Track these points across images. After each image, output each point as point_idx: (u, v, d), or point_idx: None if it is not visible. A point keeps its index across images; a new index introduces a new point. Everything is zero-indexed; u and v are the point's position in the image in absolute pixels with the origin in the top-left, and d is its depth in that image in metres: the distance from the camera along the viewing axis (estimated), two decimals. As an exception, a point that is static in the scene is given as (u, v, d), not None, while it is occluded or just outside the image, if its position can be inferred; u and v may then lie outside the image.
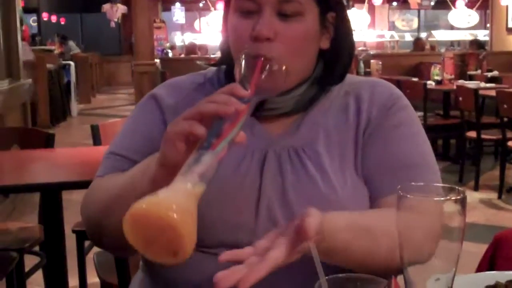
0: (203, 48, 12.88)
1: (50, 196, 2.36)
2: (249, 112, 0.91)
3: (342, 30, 1.15)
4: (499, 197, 5.09)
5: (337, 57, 1.15)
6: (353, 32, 1.19)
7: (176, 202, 0.77)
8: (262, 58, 1.00)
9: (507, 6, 10.82)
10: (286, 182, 1.09)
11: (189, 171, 0.81)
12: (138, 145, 1.12)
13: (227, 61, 1.14)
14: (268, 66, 0.99)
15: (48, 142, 2.84)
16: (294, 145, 1.12)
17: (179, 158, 0.85)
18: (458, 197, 0.76)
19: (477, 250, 1.38)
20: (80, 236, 2.76)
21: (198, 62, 7.36)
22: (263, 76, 0.97)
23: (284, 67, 1.02)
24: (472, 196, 5.16)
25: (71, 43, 17.29)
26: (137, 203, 0.78)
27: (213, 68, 1.22)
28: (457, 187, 0.79)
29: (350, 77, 1.22)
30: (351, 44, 1.18)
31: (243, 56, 1.00)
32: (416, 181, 1.02)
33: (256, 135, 1.12)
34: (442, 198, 0.75)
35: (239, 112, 0.87)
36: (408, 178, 1.05)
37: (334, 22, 1.13)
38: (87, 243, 2.86)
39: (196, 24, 18.64)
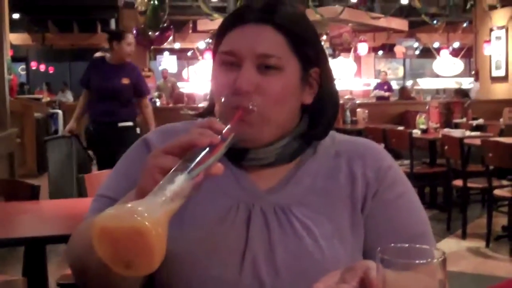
0: (190, 97, 12.94)
1: (35, 250, 2.33)
2: (226, 148, 0.92)
3: (326, 86, 1.16)
4: (487, 246, 5.08)
5: (321, 112, 1.16)
6: (337, 86, 1.20)
7: (147, 211, 0.76)
8: (241, 109, 1.02)
9: (490, 56, 11.00)
10: (273, 237, 1.09)
11: (161, 188, 0.82)
12: (125, 187, 1.11)
13: (212, 111, 1.16)
14: (245, 115, 1.02)
15: (33, 193, 2.82)
16: (281, 203, 1.12)
17: None
18: (440, 258, 0.77)
19: (465, 301, 1.37)
20: (65, 289, 2.72)
21: (181, 112, 7.36)
22: (241, 124, 0.99)
23: (261, 119, 1.05)
24: (460, 245, 5.15)
25: (69, 93, 17.42)
26: (108, 209, 0.79)
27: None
28: (438, 248, 0.79)
29: (339, 137, 1.23)
30: (335, 100, 1.19)
31: (223, 101, 1.03)
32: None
33: (242, 187, 1.13)
34: (423, 261, 0.75)
35: (215, 144, 0.89)
36: None
37: (317, 78, 1.15)
38: (71, 296, 2.81)
39: (185, 72, 18.81)
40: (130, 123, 5.20)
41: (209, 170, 0.88)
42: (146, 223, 0.75)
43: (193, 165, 0.85)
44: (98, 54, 8.82)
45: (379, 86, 14.35)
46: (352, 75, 15.68)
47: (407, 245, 0.81)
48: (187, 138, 0.89)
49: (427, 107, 6.92)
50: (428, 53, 18.32)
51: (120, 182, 1.17)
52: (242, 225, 1.10)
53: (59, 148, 5.71)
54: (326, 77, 1.16)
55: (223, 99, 1.03)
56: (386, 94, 13.49)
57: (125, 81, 5.17)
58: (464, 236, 5.35)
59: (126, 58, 5.25)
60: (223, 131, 0.92)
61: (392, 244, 0.80)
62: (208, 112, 1.19)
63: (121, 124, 5.16)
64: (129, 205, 0.78)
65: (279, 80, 1.09)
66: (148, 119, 5.37)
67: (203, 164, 0.86)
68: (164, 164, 0.88)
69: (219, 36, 1.14)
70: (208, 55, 14.68)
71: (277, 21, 1.10)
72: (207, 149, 0.88)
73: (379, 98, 12.95)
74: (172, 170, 0.85)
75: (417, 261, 0.74)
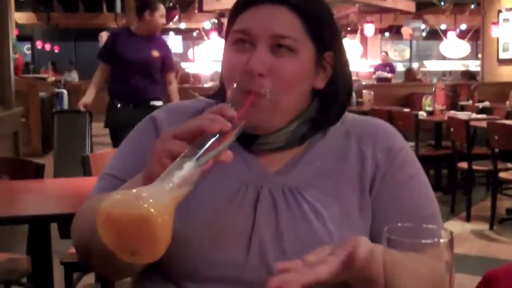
0: (196, 78, 12.91)
1: (39, 228, 2.34)
2: (236, 136, 0.91)
3: (340, 71, 1.14)
4: (491, 228, 5.08)
5: (333, 97, 1.14)
6: (350, 72, 1.18)
7: (154, 197, 0.76)
8: (253, 93, 1.00)
9: (497, 38, 10.93)
10: (281, 219, 1.07)
11: (169, 174, 0.81)
12: (132, 166, 1.11)
13: (223, 93, 1.14)
14: (257, 101, 1.00)
15: (37, 172, 2.82)
16: (290, 185, 1.10)
17: None
18: (448, 239, 0.76)
19: (469, 282, 1.37)
20: (69, 268, 2.74)
21: (194, 93, 7.37)
22: (251, 110, 0.98)
23: (273, 105, 1.04)
24: (464, 227, 5.15)
25: (74, 73, 17.45)
26: (113, 194, 0.78)
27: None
28: (445, 229, 0.78)
29: (349, 116, 1.21)
30: (348, 85, 1.17)
31: (234, 87, 1.01)
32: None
33: (251, 169, 1.12)
34: (429, 241, 0.74)
35: (226, 131, 0.88)
36: None
37: (331, 62, 1.13)
38: (75, 275, 2.83)
39: (190, 53, 18.76)
40: (161, 102, 4.69)
41: (218, 157, 0.87)
42: (152, 210, 0.74)
43: (202, 151, 0.84)
44: (103, 34, 8.62)
45: (380, 67, 14.21)
46: (358, 57, 15.61)
47: (414, 225, 0.80)
48: (197, 124, 0.88)
49: (433, 89, 6.89)
50: (435, 35, 18.21)
51: (126, 161, 1.16)
52: (249, 208, 1.08)
53: (69, 122, 5.26)
54: (341, 61, 1.14)
55: (235, 85, 1.01)
56: (389, 75, 13.34)
57: (155, 53, 4.68)
58: (468, 218, 5.35)
59: (158, 30, 4.81)
60: (234, 118, 0.91)
61: (399, 224, 0.80)
62: (219, 94, 1.17)
63: (153, 103, 4.61)
64: (135, 190, 0.77)
65: (292, 62, 1.07)
66: (173, 96, 4.86)
67: (212, 150, 0.85)
68: (172, 149, 0.87)
69: (232, 16, 1.12)
70: (214, 35, 14.63)
71: (292, 1, 1.07)
72: (217, 135, 0.87)
73: (380, 79, 12.76)
74: (180, 156, 0.84)
75: (423, 241, 0.74)
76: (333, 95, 1.14)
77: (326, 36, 1.11)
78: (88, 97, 4.81)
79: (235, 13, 1.11)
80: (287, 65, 1.06)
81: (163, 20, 4.73)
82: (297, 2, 1.07)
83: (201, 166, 0.83)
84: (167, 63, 4.79)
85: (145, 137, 1.17)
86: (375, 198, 1.12)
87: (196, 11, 17.50)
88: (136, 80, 4.61)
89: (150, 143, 1.11)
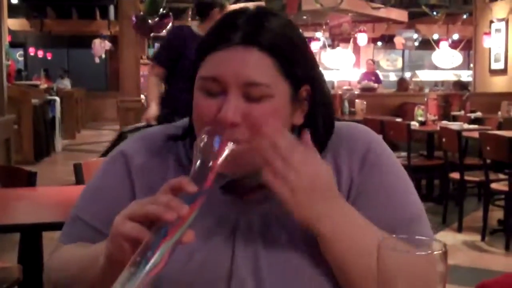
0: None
1: (30, 237, 2.33)
2: (197, 211, 0.86)
3: (318, 102, 1.07)
4: (483, 239, 5.09)
5: (312, 132, 1.06)
6: (331, 101, 1.11)
7: None
8: (225, 142, 0.94)
9: (489, 48, 10.98)
10: (260, 258, 1.03)
11: None
12: (100, 209, 1.10)
13: (192, 133, 1.08)
14: (231, 150, 0.94)
15: (30, 180, 2.81)
16: (267, 213, 1.05)
17: (124, 257, 0.84)
18: (441, 251, 0.76)
19: (461, 294, 1.37)
20: (60, 276, 2.72)
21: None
22: (225, 161, 0.92)
23: (250, 154, 0.97)
24: (456, 238, 5.16)
25: (67, 81, 17.42)
26: None
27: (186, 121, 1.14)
28: (439, 241, 0.79)
29: None
30: (328, 117, 1.09)
31: (204, 137, 0.93)
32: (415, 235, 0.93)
33: (226, 204, 1.06)
34: (424, 253, 0.74)
35: (184, 216, 0.83)
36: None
37: (308, 95, 1.06)
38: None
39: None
40: None
41: (178, 241, 0.83)
42: None
43: (155, 250, 0.80)
44: (97, 41, 8.60)
45: (366, 76, 13.92)
46: (351, 66, 15.65)
47: (407, 236, 0.81)
48: (152, 210, 0.84)
49: (425, 99, 6.91)
50: (427, 44, 18.28)
51: (95, 204, 1.12)
52: (227, 245, 1.04)
53: None
54: (318, 92, 1.07)
55: (205, 137, 0.94)
56: (376, 85, 13.11)
57: None
58: (460, 229, 5.36)
59: None
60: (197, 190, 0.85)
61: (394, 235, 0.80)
62: (188, 133, 1.10)
63: None
64: None
65: (267, 107, 1.00)
66: None
67: (169, 240, 0.81)
68: (129, 233, 0.85)
69: (200, 54, 1.03)
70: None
71: (264, 42, 1.00)
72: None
73: (366, 89, 12.50)
74: (133, 257, 0.80)
75: (417, 253, 0.74)
76: (312, 129, 1.07)
77: (300, 71, 1.04)
78: (155, 110, 4.35)
79: (203, 52, 1.03)
80: (262, 111, 0.99)
81: None
82: (268, 42, 1.00)
83: (156, 266, 0.79)
84: None
85: (113, 175, 1.12)
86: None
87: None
88: None
89: (120, 182, 1.11)
